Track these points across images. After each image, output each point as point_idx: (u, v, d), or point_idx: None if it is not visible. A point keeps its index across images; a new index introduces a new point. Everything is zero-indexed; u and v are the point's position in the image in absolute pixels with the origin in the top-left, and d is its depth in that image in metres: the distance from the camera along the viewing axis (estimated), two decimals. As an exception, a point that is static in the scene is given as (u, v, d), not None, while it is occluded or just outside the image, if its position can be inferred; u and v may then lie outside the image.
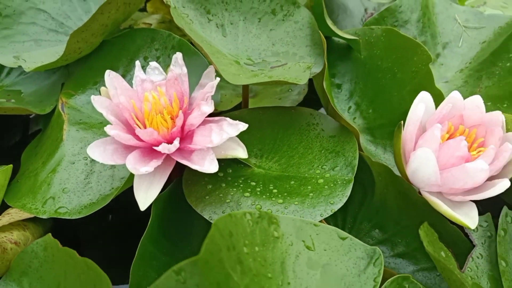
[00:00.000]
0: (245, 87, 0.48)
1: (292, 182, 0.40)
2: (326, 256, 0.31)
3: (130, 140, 0.36)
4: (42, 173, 0.44)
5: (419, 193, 0.38)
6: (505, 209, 0.36)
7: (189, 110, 0.40)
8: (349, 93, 0.54)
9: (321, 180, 0.39)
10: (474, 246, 0.36)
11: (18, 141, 0.60)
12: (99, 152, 0.36)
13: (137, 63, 0.41)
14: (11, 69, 0.55)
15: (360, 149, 0.42)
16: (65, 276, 0.31)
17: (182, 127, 0.38)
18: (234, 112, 0.47)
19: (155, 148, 0.35)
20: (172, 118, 0.38)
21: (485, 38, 0.59)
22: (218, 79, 0.38)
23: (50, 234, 0.32)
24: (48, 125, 0.50)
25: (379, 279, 0.30)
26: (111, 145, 0.37)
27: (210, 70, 0.41)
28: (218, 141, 0.36)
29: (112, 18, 0.50)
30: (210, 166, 0.35)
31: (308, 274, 0.30)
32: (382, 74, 0.52)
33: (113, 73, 0.38)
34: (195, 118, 0.38)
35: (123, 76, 0.50)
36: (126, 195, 0.40)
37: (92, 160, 0.44)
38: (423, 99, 0.39)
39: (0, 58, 0.50)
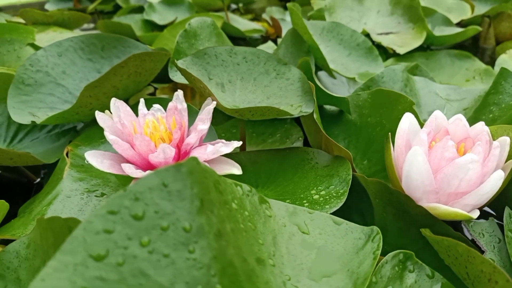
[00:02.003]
0: (242, 130, 0.50)
1: (288, 201, 0.39)
2: (321, 239, 0.29)
3: (127, 150, 0.37)
4: (37, 208, 0.43)
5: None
6: (507, 209, 0.35)
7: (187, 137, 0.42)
8: (343, 150, 0.56)
9: (316, 196, 0.39)
10: (483, 252, 0.34)
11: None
12: (96, 161, 0.37)
13: (141, 100, 0.45)
14: (24, 136, 0.59)
15: (353, 170, 0.42)
16: (45, 264, 0.29)
17: (179, 147, 0.40)
18: (231, 154, 0.49)
19: (150, 156, 0.36)
20: (170, 140, 0.40)
21: (467, 105, 0.63)
22: (214, 103, 0.41)
23: (37, 219, 0.30)
24: (50, 175, 0.51)
25: (378, 252, 0.27)
26: (108, 160, 0.38)
27: (208, 101, 0.44)
28: (211, 150, 0.37)
29: (124, 83, 0.55)
30: (203, 172, 0.36)
31: (302, 253, 0.28)
32: (372, 128, 0.55)
33: (118, 101, 0.42)
34: (192, 138, 0.39)
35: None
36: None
37: (89, 196, 0.44)
38: (408, 117, 0.41)
39: (16, 117, 0.54)
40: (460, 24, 1.22)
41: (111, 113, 0.42)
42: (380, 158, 0.52)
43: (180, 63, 0.53)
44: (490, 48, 1.19)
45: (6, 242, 0.40)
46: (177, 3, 1.31)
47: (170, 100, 0.56)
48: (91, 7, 1.78)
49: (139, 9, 1.44)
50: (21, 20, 1.31)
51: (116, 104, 0.42)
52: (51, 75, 0.61)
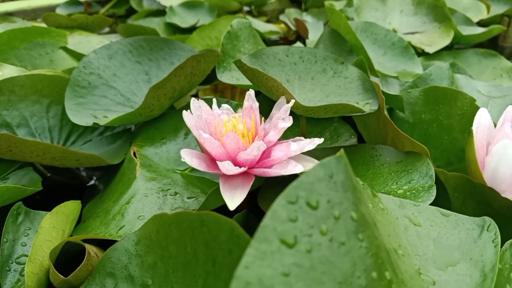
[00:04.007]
0: (303, 129, 0.51)
1: (371, 196, 0.40)
2: (434, 231, 0.30)
3: (217, 148, 0.37)
4: (115, 208, 0.44)
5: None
6: None
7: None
8: (398, 147, 0.57)
9: (400, 191, 0.39)
10: None
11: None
12: (188, 159, 0.37)
13: (214, 100, 0.45)
14: (77, 138, 0.59)
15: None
16: (163, 260, 0.29)
17: (261, 144, 0.40)
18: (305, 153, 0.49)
19: (241, 154, 0.37)
20: (253, 139, 0.41)
21: (511, 102, 0.65)
22: (293, 100, 0.42)
23: (154, 215, 0.30)
24: (116, 174, 0.51)
25: (498, 240, 0.28)
26: (196, 158, 0.39)
27: (282, 100, 0.45)
28: (296, 148, 0.38)
29: (180, 84, 0.56)
30: (294, 168, 0.36)
31: (421, 244, 0.28)
32: (428, 125, 0.56)
33: (197, 101, 0.42)
34: (272, 136, 0.40)
35: (185, 136, 0.54)
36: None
37: (164, 195, 0.44)
38: (485, 112, 0.42)
39: (75, 119, 0.55)
40: (479, 23, 1.24)
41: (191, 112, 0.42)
42: (440, 154, 0.53)
43: (246, 62, 0.53)
44: (509, 47, 1.20)
45: (88, 241, 0.41)
46: (197, 6, 1.32)
47: (220, 100, 0.57)
48: (102, 10, 1.78)
49: (157, 13, 1.44)
50: (42, 24, 1.31)
51: (196, 103, 0.42)
52: (103, 77, 0.61)
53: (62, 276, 0.31)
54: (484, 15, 1.28)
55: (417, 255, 0.27)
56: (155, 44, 0.66)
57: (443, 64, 0.65)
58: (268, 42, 1.35)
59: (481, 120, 0.40)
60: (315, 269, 0.18)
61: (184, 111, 0.40)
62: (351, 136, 0.60)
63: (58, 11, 1.82)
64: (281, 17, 1.41)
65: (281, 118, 0.41)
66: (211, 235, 0.26)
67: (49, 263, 0.32)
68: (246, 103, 0.44)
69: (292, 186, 0.20)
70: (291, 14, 1.35)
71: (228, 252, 0.26)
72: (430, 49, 0.93)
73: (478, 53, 0.96)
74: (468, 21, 1.13)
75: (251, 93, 0.45)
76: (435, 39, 0.98)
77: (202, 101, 0.42)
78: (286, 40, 1.37)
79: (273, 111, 0.45)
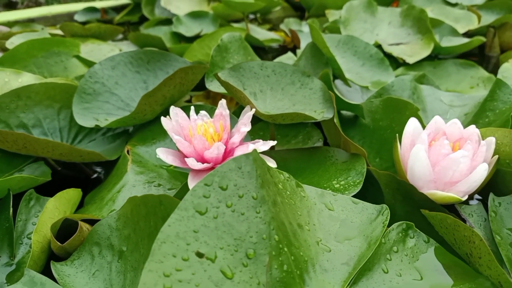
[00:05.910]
0: (272, 133, 0.60)
1: (314, 189, 0.48)
2: (343, 214, 0.38)
3: (187, 147, 0.47)
4: (108, 195, 0.53)
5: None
6: (491, 195, 0.43)
7: (230, 137, 0.51)
8: (359, 149, 0.65)
9: (337, 185, 0.48)
10: (472, 228, 0.42)
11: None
12: (163, 156, 0.46)
13: (192, 107, 0.54)
14: (83, 137, 0.69)
15: (367, 164, 0.51)
16: (135, 232, 0.38)
17: (226, 145, 0.49)
18: (264, 152, 0.58)
19: (206, 152, 0.46)
20: (219, 140, 0.50)
21: (468, 110, 0.72)
22: (253, 110, 0.51)
23: (129, 198, 0.40)
24: (113, 168, 0.61)
25: (386, 223, 0.36)
26: (171, 155, 0.48)
27: (247, 108, 0.53)
28: (252, 147, 0.47)
29: (170, 93, 0.65)
30: (248, 165, 0.45)
31: (329, 224, 0.37)
32: (384, 130, 0.64)
33: (176, 108, 0.51)
34: (235, 138, 0.49)
35: (174, 137, 0.63)
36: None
37: (149, 186, 0.54)
38: (412, 121, 0.50)
39: (81, 121, 0.65)
40: (467, 34, 1.30)
41: (170, 118, 0.51)
42: (391, 156, 0.61)
43: (222, 76, 0.62)
44: (495, 56, 1.26)
45: (85, 221, 0.50)
46: (202, 16, 1.41)
47: (206, 106, 0.66)
48: (117, 17, 1.90)
49: (166, 22, 1.55)
50: (59, 32, 1.43)
51: (175, 111, 0.52)
52: (106, 86, 0.71)
53: (59, 243, 0.41)
54: (474, 25, 1.34)
55: (323, 231, 0.36)
56: (153, 56, 0.76)
57: (406, 76, 0.73)
58: (268, 50, 1.44)
59: (407, 129, 0.48)
60: (218, 229, 0.27)
61: (162, 117, 0.49)
62: (319, 139, 0.69)
63: (76, 17, 1.95)
64: (281, 26, 1.49)
65: (244, 124, 0.50)
66: (167, 212, 0.35)
67: (50, 234, 0.42)
68: (217, 110, 0.53)
69: (210, 173, 0.29)
70: (289, 23, 1.44)
71: (177, 224, 0.35)
72: (411, 60, 1.01)
73: (457, 63, 1.03)
74: (454, 32, 1.20)
75: (223, 102, 0.54)
76: (417, 50, 1.05)
77: (179, 109, 0.51)
78: (285, 47, 1.45)
79: (240, 117, 0.54)
